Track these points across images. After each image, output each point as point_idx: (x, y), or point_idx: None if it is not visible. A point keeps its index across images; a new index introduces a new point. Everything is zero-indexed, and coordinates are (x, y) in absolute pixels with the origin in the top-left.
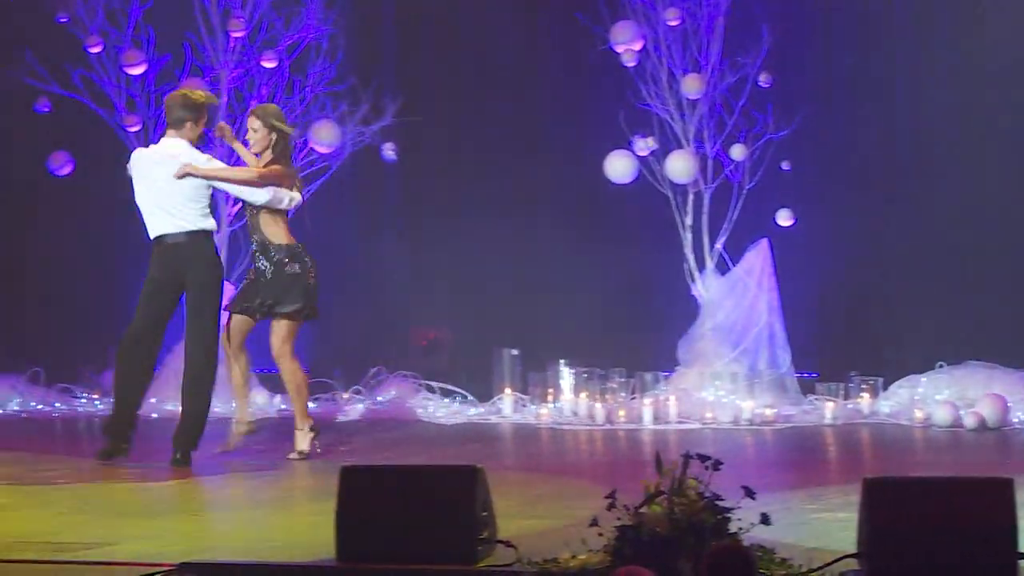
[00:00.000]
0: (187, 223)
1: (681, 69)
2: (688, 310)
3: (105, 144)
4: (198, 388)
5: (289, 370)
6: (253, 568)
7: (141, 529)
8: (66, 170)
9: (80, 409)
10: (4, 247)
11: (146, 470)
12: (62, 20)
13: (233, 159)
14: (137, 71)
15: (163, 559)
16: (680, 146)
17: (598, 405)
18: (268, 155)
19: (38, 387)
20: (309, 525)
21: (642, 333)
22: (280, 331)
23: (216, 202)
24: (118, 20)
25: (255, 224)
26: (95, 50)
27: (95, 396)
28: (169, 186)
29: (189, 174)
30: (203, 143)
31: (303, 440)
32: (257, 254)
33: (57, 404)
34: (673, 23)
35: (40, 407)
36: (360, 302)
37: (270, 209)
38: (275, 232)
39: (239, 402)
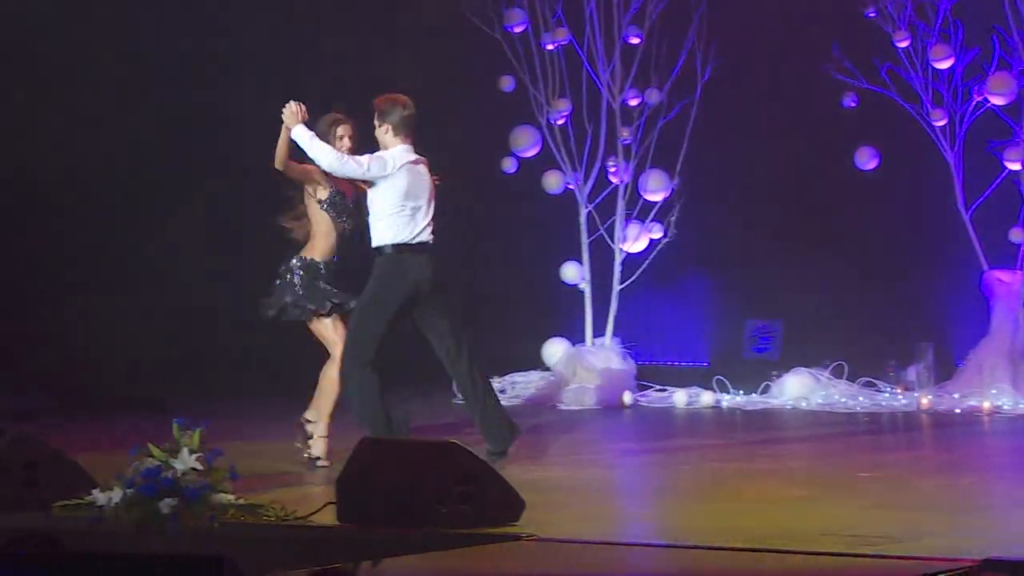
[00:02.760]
0: None
1: None
2: None
3: (910, 139)
4: None
5: None
6: None
7: (943, 524)
8: (872, 165)
9: (883, 404)
10: (807, 229)
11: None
12: (870, 15)
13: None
14: (944, 65)
15: (961, 555)
16: None
17: None
18: None
19: (841, 380)
20: None
21: None
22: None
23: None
24: (926, 14)
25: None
26: (902, 44)
27: (898, 391)
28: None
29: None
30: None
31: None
32: None
33: (860, 398)
34: None
35: (843, 400)
36: None
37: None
38: None
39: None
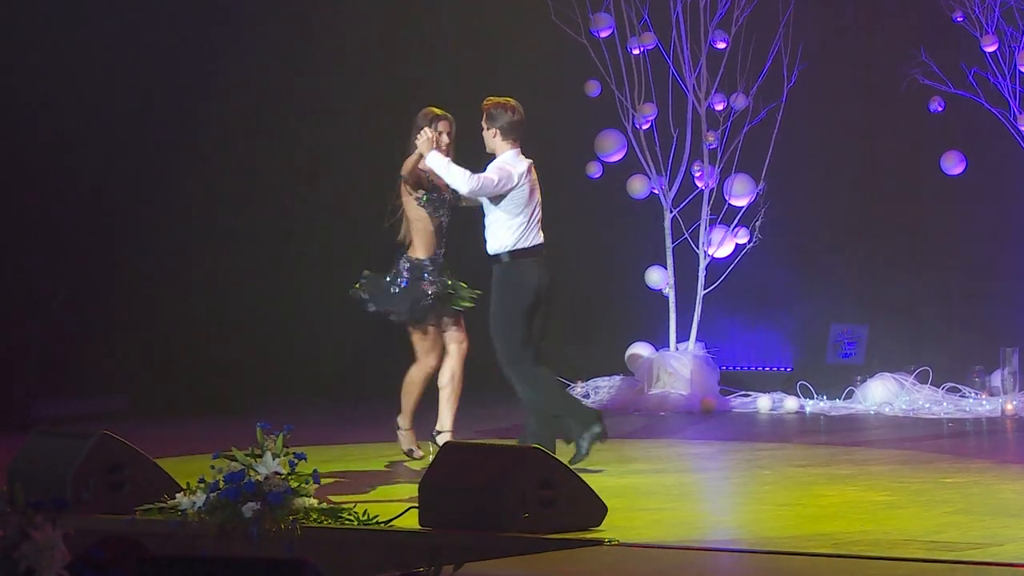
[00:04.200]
0: None
1: None
2: None
3: (997, 144)
4: None
5: None
6: None
7: None
8: (958, 170)
9: (968, 409)
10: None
11: None
12: (957, 20)
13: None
14: None
15: None
16: None
17: None
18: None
19: (926, 386)
20: None
21: None
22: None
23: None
24: (1014, 19)
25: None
26: (990, 49)
27: (983, 397)
28: None
29: None
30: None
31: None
32: None
33: (944, 404)
34: None
35: (927, 406)
36: None
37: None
38: None
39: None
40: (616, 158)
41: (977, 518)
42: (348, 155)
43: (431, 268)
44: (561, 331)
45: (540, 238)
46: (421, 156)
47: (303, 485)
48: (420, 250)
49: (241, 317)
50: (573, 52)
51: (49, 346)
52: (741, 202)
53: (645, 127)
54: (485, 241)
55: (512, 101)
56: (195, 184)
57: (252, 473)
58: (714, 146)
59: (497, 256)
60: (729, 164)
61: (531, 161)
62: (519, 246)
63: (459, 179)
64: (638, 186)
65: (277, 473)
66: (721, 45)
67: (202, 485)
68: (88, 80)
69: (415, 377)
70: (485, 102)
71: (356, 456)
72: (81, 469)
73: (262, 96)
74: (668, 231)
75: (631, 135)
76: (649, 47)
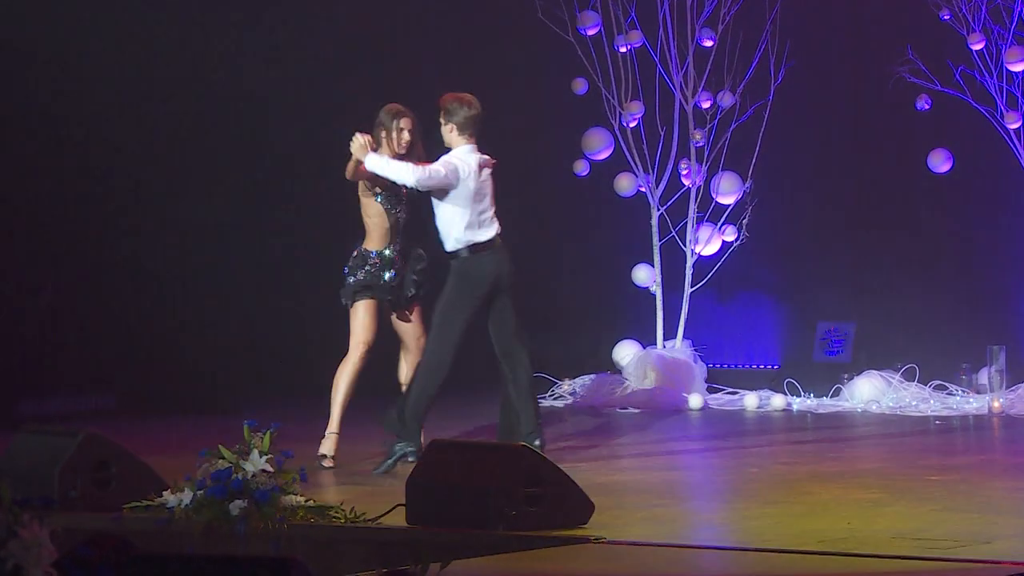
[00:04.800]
0: None
1: None
2: None
3: (984, 142)
4: None
5: None
6: None
7: (1013, 528)
8: (945, 168)
9: (955, 407)
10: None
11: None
12: (944, 18)
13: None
14: (1019, 68)
15: None
16: None
17: None
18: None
19: (913, 383)
20: None
21: None
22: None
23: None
24: (1001, 17)
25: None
26: (977, 47)
27: (970, 394)
28: None
29: None
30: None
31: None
32: None
33: (931, 401)
34: None
35: (914, 403)
36: None
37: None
38: None
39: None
40: (603, 156)
41: (964, 515)
42: (335, 153)
43: (375, 260)
44: (548, 328)
45: (495, 229)
46: (359, 162)
47: (290, 483)
48: (372, 242)
49: (228, 315)
50: (560, 50)
51: (35, 344)
52: (728, 200)
53: (632, 125)
54: (440, 239)
55: (469, 96)
56: (181, 183)
57: (239, 471)
58: (701, 144)
59: (456, 252)
60: (716, 162)
61: (485, 156)
62: (475, 240)
63: (403, 173)
64: (625, 184)
65: (264, 471)
66: (708, 43)
67: (189, 483)
68: (72, 82)
69: (338, 372)
70: (442, 97)
71: (343, 453)
72: (68, 467)
73: (257, 95)
74: (655, 229)
75: (618, 133)
76: (636, 45)
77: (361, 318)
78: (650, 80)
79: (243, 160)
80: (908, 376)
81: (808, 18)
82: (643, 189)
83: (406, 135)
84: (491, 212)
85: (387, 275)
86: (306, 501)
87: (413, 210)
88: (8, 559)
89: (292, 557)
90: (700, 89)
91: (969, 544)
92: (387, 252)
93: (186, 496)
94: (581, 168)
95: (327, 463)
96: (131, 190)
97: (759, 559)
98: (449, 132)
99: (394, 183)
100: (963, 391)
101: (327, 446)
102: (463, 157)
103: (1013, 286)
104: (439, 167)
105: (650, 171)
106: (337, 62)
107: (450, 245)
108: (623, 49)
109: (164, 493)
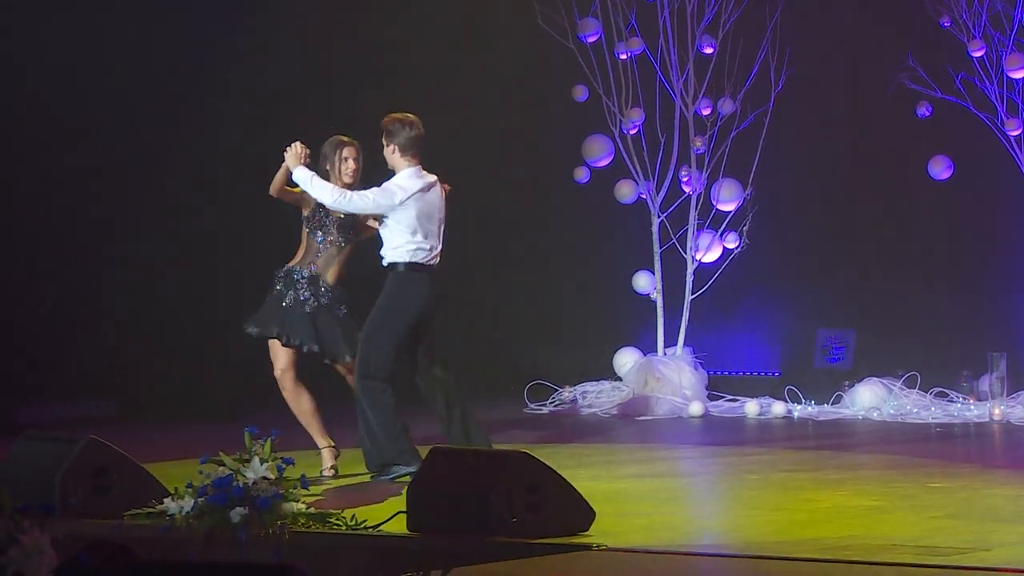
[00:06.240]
0: None
1: None
2: None
3: (985, 149)
4: None
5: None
6: None
7: (1014, 535)
8: (946, 175)
9: (956, 414)
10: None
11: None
12: (945, 25)
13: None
14: (1019, 75)
15: None
16: None
17: None
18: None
19: (913, 391)
20: None
21: None
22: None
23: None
24: (1002, 23)
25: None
26: (977, 54)
27: (971, 402)
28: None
29: None
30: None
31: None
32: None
33: (932, 409)
34: None
35: (915, 411)
36: None
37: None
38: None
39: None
40: (603, 163)
41: (965, 523)
42: None
43: (281, 276)
44: (549, 336)
45: (435, 260)
46: (288, 170)
47: (291, 490)
48: (295, 258)
49: (229, 321)
50: (560, 57)
51: (36, 351)
52: (728, 207)
53: (632, 132)
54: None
55: (411, 116)
56: (182, 187)
57: (240, 478)
58: (701, 151)
59: (393, 265)
60: (716, 169)
61: (432, 177)
62: (414, 260)
63: (323, 193)
64: (626, 191)
65: (265, 478)
66: (708, 50)
67: (190, 490)
68: (70, 83)
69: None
70: (384, 119)
71: (343, 461)
72: (68, 473)
73: (264, 98)
74: (656, 236)
75: (618, 140)
76: (636, 52)
77: (271, 350)
78: (650, 87)
79: (244, 166)
80: (909, 383)
81: (808, 25)
82: (644, 196)
83: (351, 163)
84: (437, 236)
85: (288, 295)
86: (307, 508)
87: (357, 247)
88: (9, 565)
89: (293, 564)
90: (700, 96)
91: (970, 551)
92: (296, 274)
93: (187, 503)
94: (582, 175)
95: (328, 472)
96: (132, 198)
97: (760, 566)
98: (391, 153)
99: (320, 210)
100: (964, 398)
101: (326, 460)
102: (401, 183)
103: (1013, 293)
104: (368, 193)
105: (650, 178)
106: (336, 71)
107: (390, 258)
108: (623, 56)
109: (165, 500)
